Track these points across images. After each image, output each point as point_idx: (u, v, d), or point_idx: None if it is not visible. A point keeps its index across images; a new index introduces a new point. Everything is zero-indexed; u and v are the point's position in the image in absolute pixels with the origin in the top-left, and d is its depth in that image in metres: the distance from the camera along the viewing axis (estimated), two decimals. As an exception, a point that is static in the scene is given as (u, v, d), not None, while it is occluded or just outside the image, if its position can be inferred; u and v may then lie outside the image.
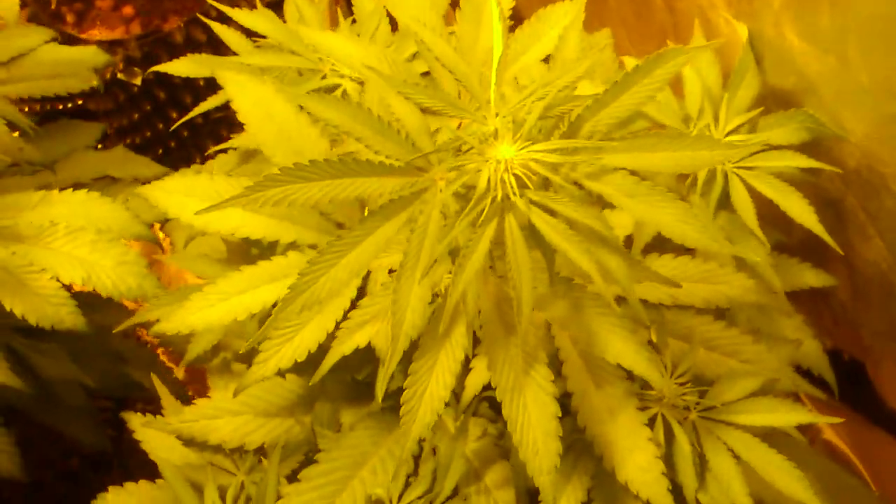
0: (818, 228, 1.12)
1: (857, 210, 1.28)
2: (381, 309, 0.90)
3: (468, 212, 0.78)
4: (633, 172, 0.84)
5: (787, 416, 1.02)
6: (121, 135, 2.32)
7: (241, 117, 1.11)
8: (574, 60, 0.87)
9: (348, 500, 1.01)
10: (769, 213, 1.15)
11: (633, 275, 0.87)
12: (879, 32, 1.07)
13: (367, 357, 0.96)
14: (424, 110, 0.84)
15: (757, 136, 1.16)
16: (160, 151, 2.36)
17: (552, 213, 0.81)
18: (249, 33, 1.33)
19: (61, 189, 1.42)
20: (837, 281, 1.27)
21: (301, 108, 1.10)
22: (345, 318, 0.92)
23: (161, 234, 1.64)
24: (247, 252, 1.19)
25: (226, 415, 1.09)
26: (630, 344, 0.90)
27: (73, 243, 1.21)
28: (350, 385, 1.12)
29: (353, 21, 1.31)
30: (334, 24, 1.35)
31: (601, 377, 0.97)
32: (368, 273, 0.97)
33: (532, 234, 0.82)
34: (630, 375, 0.93)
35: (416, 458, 1.05)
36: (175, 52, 2.10)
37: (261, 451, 1.11)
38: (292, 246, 1.10)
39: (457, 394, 0.99)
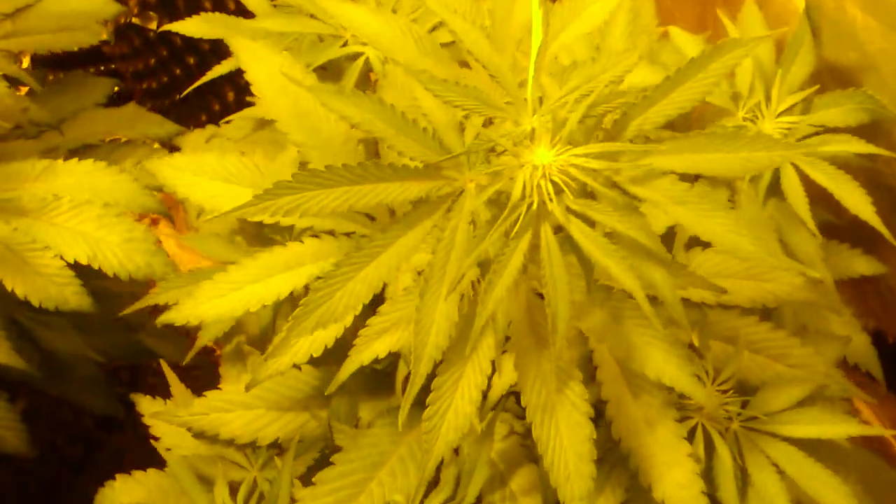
0: (875, 221, 1.04)
1: (916, 197, 1.20)
2: (404, 316, 0.83)
3: (501, 221, 0.71)
4: (682, 176, 0.76)
5: (835, 428, 0.95)
6: (137, 79, 2.24)
7: (254, 90, 1.03)
8: (621, 51, 0.78)
9: (366, 504, 0.95)
10: (817, 192, 1.07)
11: (678, 283, 0.80)
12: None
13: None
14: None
15: (811, 117, 1.08)
16: (177, 97, 2.28)
17: (592, 222, 0.73)
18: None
19: (69, 151, 1.36)
20: (888, 268, 1.19)
21: (319, 81, 1.03)
22: (364, 324, 0.85)
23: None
24: (260, 231, 1.12)
25: (237, 408, 1.03)
26: (672, 358, 0.83)
27: (78, 218, 1.14)
28: (369, 376, 1.06)
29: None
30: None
31: (638, 385, 0.90)
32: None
33: (568, 241, 0.75)
34: (670, 385, 0.87)
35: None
36: (192, -3, 2.03)
37: (274, 446, 1.05)
38: (308, 230, 1.03)
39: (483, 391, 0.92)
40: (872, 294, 1.43)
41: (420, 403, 0.83)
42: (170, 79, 2.23)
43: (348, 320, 0.90)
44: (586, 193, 0.75)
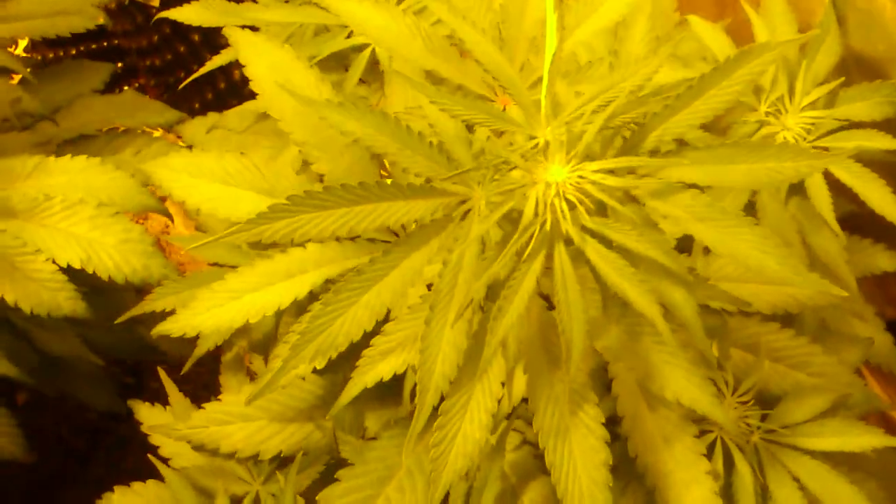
0: (901, 222, 0.99)
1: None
2: (410, 335, 0.79)
3: (512, 243, 0.66)
4: (703, 189, 0.72)
5: (858, 440, 0.91)
6: (140, 56, 2.20)
7: (255, 86, 0.99)
8: (641, 58, 0.74)
9: (374, 523, 0.92)
10: (839, 181, 1.03)
11: (698, 296, 0.75)
12: None
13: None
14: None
15: (836, 111, 1.03)
16: (182, 74, 2.23)
17: (608, 241, 0.69)
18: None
19: (64, 142, 1.32)
20: (913, 263, 1.15)
21: (322, 78, 0.98)
22: (364, 347, 0.80)
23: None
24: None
25: (238, 420, 1.00)
26: (692, 378, 0.79)
27: (71, 219, 1.10)
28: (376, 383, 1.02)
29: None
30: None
31: (656, 399, 0.86)
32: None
33: (584, 259, 0.70)
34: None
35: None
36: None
37: (278, 458, 1.01)
38: (311, 235, 0.98)
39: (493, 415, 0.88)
40: (893, 282, 1.38)
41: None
42: (174, 56, 2.19)
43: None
44: (602, 209, 0.70)
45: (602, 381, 0.87)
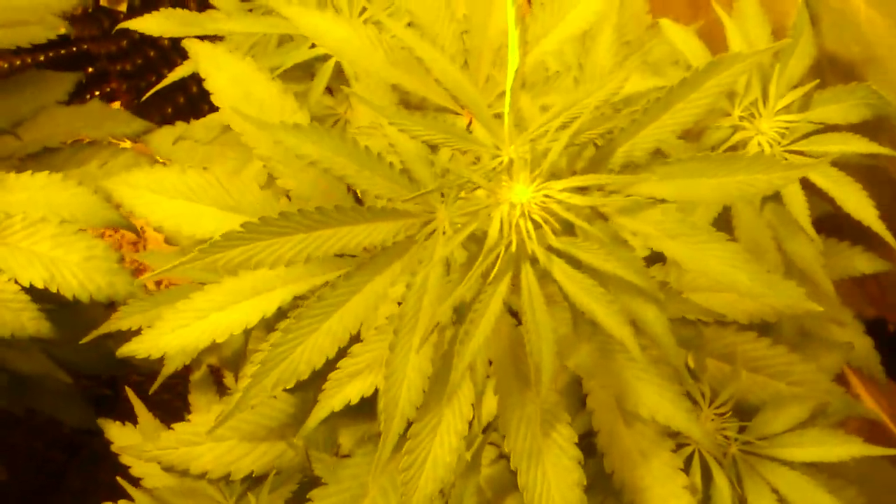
0: (878, 226, 0.98)
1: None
2: (377, 357, 0.77)
3: (477, 266, 0.64)
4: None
5: (837, 450, 0.90)
6: (111, 61, 2.17)
7: (216, 100, 0.97)
8: (607, 72, 0.72)
9: (347, 544, 0.90)
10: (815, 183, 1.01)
11: (672, 310, 0.74)
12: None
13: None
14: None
15: (811, 113, 1.01)
16: (153, 79, 2.20)
17: (577, 263, 0.67)
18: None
19: (28, 156, 1.29)
20: (891, 265, 1.13)
21: (285, 90, 0.96)
22: (334, 367, 0.78)
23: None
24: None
25: (208, 440, 0.97)
26: (666, 394, 0.77)
27: (33, 238, 1.07)
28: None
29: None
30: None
31: (631, 414, 0.84)
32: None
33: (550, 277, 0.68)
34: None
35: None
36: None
37: (250, 477, 0.99)
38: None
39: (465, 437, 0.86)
40: (872, 281, 1.37)
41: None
42: (144, 60, 2.16)
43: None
44: (570, 227, 0.68)
45: (577, 396, 0.86)
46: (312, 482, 0.96)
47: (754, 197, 0.76)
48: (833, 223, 1.12)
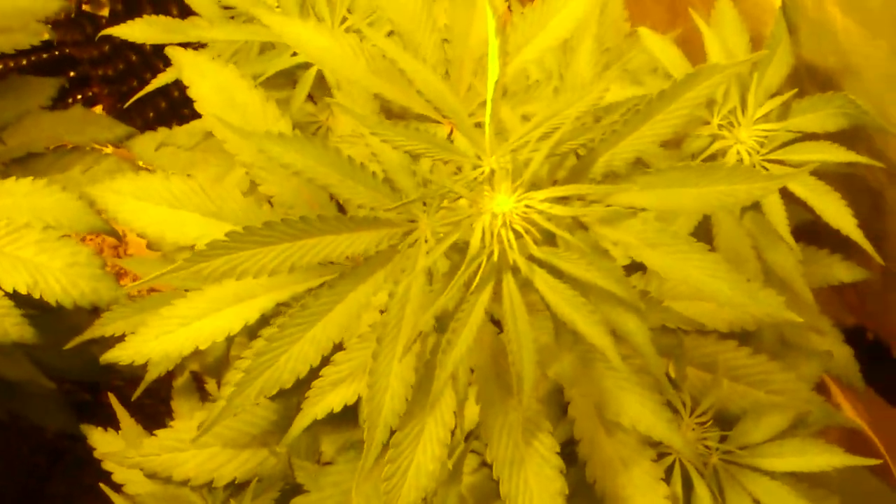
0: (856, 234, 0.99)
1: (899, 204, 1.15)
2: (360, 365, 0.77)
3: (459, 275, 0.65)
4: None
5: (818, 460, 0.91)
6: (93, 66, 2.16)
7: (199, 107, 0.97)
8: (588, 82, 0.72)
9: (329, 554, 0.90)
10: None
11: (653, 319, 0.74)
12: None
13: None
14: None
15: (789, 122, 1.02)
16: (135, 83, 2.20)
17: (559, 273, 0.68)
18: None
19: (11, 161, 1.29)
20: (869, 273, 1.14)
21: (267, 98, 0.96)
22: (317, 375, 0.79)
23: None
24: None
25: (190, 447, 0.98)
26: (647, 403, 0.78)
27: (17, 243, 1.07)
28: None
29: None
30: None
31: (612, 423, 0.85)
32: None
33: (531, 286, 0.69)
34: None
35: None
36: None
37: (232, 484, 1.00)
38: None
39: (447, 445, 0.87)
40: (852, 290, 1.38)
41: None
42: (126, 65, 2.16)
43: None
44: (551, 237, 0.69)
45: (558, 404, 0.86)
46: (295, 489, 0.96)
47: (735, 207, 0.77)
48: (812, 230, 1.13)
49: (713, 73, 0.70)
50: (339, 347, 0.80)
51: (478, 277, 0.66)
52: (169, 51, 1.00)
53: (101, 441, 1.10)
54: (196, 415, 0.99)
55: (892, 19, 0.94)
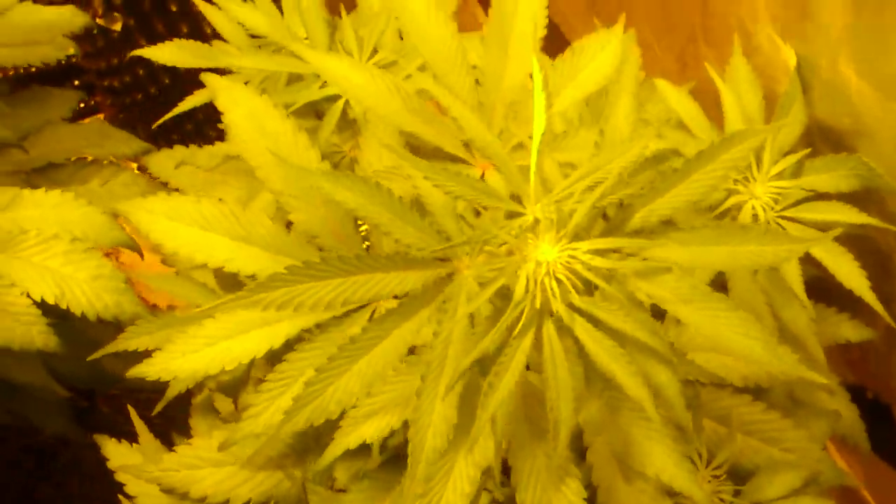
0: (869, 297, 1.01)
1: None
2: (394, 398, 0.79)
3: (503, 320, 0.67)
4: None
5: (828, 518, 0.93)
6: (99, 76, 2.18)
7: (232, 134, 0.98)
8: (626, 138, 0.75)
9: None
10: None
11: (679, 372, 0.77)
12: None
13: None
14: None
15: (802, 181, 1.05)
16: (139, 96, 2.22)
17: (596, 322, 0.70)
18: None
19: (33, 171, 1.31)
20: (876, 333, 1.17)
21: (299, 127, 0.98)
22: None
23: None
24: (236, 277, 1.08)
25: (208, 465, 0.99)
26: (672, 455, 0.80)
27: (46, 253, 1.09)
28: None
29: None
30: (334, 11, 1.21)
31: (631, 470, 0.87)
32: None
33: (570, 335, 0.71)
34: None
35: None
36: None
37: (247, 504, 1.01)
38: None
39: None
40: (856, 348, 1.41)
41: (394, 463, 0.79)
42: (132, 78, 2.18)
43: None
44: (588, 286, 0.72)
45: (576, 449, 0.88)
46: (308, 514, 0.98)
47: (762, 267, 0.80)
48: (819, 287, 1.16)
49: (747, 136, 0.73)
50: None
51: (520, 323, 0.68)
52: (204, 77, 1.02)
53: (115, 453, 1.11)
54: (214, 433, 1.01)
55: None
